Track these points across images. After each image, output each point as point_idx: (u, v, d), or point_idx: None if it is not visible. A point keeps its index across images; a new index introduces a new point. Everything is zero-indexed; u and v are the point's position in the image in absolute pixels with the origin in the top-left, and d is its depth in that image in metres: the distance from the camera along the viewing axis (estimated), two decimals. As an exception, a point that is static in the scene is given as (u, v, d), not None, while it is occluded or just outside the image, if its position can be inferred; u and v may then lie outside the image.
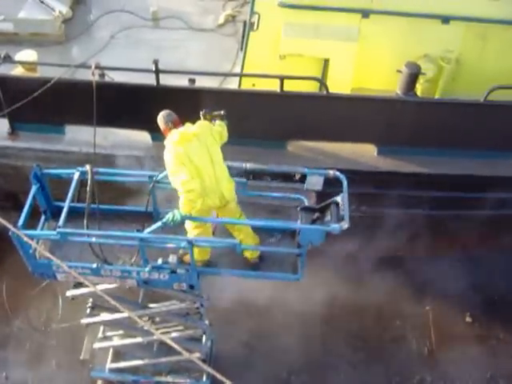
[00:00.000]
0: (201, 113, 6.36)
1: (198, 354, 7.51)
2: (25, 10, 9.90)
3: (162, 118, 6.18)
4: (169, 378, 8.09)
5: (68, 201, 6.25)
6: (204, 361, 7.75)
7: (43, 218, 6.80)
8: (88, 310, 7.20)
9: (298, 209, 6.56)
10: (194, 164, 5.94)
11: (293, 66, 8.61)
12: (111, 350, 8.18)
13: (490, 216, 9.40)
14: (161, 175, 6.39)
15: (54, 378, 8.76)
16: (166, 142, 6.10)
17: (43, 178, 6.52)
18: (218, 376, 4.27)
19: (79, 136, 8.47)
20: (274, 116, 8.33)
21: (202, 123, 6.22)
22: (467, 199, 9.00)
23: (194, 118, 6.28)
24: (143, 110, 8.15)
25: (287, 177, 6.85)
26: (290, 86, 8.07)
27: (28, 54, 8.55)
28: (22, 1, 10.00)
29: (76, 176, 6.40)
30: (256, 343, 9.04)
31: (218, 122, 6.39)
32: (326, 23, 8.50)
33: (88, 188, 6.11)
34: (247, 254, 6.71)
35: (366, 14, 8.44)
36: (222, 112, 6.42)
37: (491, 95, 8.02)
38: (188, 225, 6.37)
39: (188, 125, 6.13)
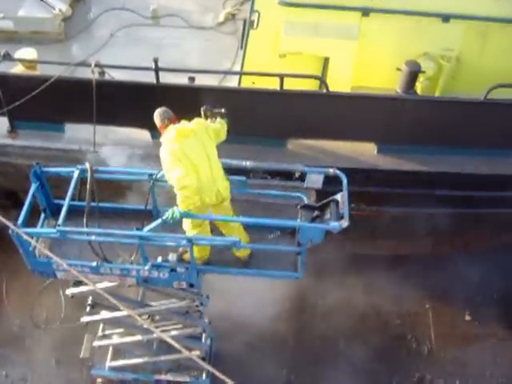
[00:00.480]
0: (202, 109, 6.36)
1: (197, 352, 7.52)
2: (24, 8, 9.88)
3: (158, 114, 6.18)
4: (169, 376, 8.08)
5: (68, 199, 6.25)
6: (204, 359, 7.74)
7: (43, 216, 6.79)
8: (88, 309, 7.20)
9: (298, 207, 6.55)
10: (190, 161, 5.93)
11: (293, 65, 8.60)
12: (111, 348, 8.18)
13: (490, 214, 9.40)
14: (160, 173, 6.38)
15: (53, 376, 8.78)
16: (161, 139, 6.09)
17: (43, 176, 6.52)
18: (218, 374, 4.27)
19: (79, 134, 8.46)
20: (274, 114, 8.32)
21: (198, 120, 6.22)
22: (467, 198, 8.99)
23: (193, 116, 6.28)
24: (143, 108, 8.11)
25: (287, 175, 6.84)
26: (290, 85, 8.06)
27: (28, 52, 8.55)
28: (21, -1, 10.00)
29: (76, 174, 6.39)
30: (255, 342, 9.04)
31: (218, 119, 6.40)
32: (326, 21, 8.48)
33: (88, 186, 6.11)
34: (238, 254, 6.70)
35: (366, 12, 8.41)
36: (223, 110, 6.42)
37: (491, 93, 8.01)
38: (186, 226, 6.37)
39: (184, 122, 6.13)
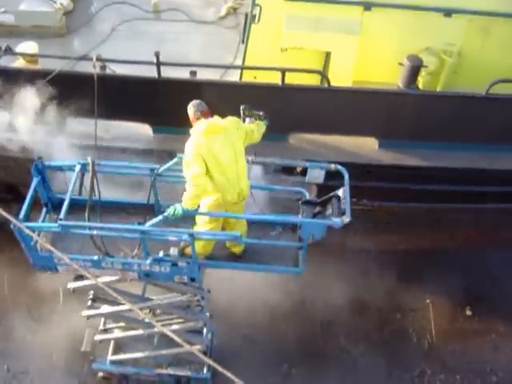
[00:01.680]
0: (241, 107, 6.34)
1: (198, 347, 7.52)
2: (26, 2, 9.85)
3: (191, 106, 6.10)
4: (170, 370, 8.10)
5: (69, 193, 6.25)
6: (205, 353, 7.76)
7: (44, 210, 6.79)
8: (89, 303, 7.20)
9: (300, 202, 6.55)
10: (216, 158, 5.89)
11: (294, 59, 8.58)
12: (112, 343, 8.20)
13: (490, 210, 9.41)
14: (162, 168, 6.38)
15: (54, 369, 8.78)
16: (191, 131, 6.04)
17: (44, 170, 6.51)
18: (219, 368, 4.28)
19: (80, 128, 8.45)
20: (276, 109, 8.27)
21: (231, 118, 6.15)
22: (468, 193, 8.99)
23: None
24: (144, 103, 8.15)
25: (288, 170, 6.84)
26: (292, 79, 8.06)
27: (29, 46, 8.56)
28: (23, -7, 9.98)
29: (77, 168, 6.39)
30: (256, 336, 9.05)
31: (256, 121, 6.38)
32: (328, 16, 8.47)
33: (90, 180, 6.10)
34: (235, 249, 6.70)
35: (367, 6, 8.39)
36: (262, 113, 6.40)
37: (493, 88, 8.00)
38: (201, 220, 6.36)
39: (217, 117, 6.07)
